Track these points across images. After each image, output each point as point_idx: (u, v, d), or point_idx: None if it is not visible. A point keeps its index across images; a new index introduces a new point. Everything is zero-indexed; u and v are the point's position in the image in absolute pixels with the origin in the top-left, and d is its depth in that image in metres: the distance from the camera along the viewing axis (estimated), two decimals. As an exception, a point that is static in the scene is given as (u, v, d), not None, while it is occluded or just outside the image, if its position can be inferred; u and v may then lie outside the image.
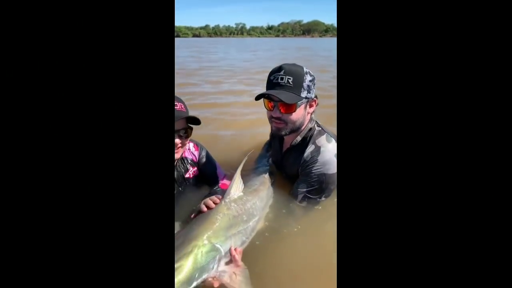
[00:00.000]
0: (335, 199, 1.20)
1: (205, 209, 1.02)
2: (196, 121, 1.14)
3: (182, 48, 17.72)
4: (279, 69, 1.15)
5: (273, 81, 1.15)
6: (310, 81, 1.16)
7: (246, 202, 1.08)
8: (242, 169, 1.13)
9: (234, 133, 2.37)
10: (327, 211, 1.20)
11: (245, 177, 1.16)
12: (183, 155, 1.27)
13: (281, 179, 1.43)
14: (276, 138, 1.45)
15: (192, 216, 1.05)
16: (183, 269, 0.76)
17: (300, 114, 1.17)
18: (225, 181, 1.35)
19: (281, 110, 1.14)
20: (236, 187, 1.10)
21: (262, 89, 1.24)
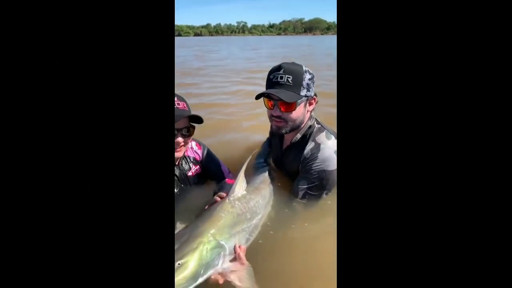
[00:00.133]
0: (336, 196, 1.22)
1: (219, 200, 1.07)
2: (198, 119, 1.16)
3: (184, 48, 17.70)
4: (278, 68, 1.16)
5: (272, 80, 1.16)
6: (309, 79, 1.17)
7: (250, 201, 1.10)
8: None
9: (235, 131, 2.39)
10: (327, 207, 1.21)
11: (245, 175, 1.18)
12: (186, 153, 1.29)
13: (281, 176, 1.45)
14: (276, 135, 1.45)
15: (206, 207, 1.08)
16: (189, 265, 0.77)
17: (300, 113, 1.18)
18: (231, 176, 1.38)
19: (281, 109, 1.15)
20: (240, 185, 1.11)
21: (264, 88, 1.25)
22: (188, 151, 1.31)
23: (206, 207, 1.09)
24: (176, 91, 1.18)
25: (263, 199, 1.17)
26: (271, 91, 1.13)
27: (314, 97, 1.23)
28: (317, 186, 1.19)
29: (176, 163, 1.25)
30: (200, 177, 1.36)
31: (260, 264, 0.91)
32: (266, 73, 1.21)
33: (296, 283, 0.93)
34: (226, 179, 1.33)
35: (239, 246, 0.91)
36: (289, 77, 1.13)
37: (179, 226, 1.05)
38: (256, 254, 0.95)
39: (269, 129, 1.61)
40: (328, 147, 1.19)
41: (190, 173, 1.30)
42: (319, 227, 1.15)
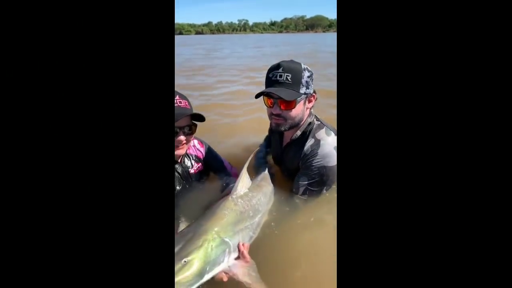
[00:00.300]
0: (336, 191, 1.23)
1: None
2: (200, 118, 1.17)
3: (186, 46, 17.68)
4: (277, 66, 1.17)
5: (272, 79, 1.17)
6: (308, 77, 1.17)
7: (252, 198, 1.11)
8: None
9: (237, 130, 2.41)
10: (328, 203, 1.22)
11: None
12: (188, 151, 1.31)
13: (281, 174, 1.46)
14: (275, 133, 1.46)
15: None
16: (194, 262, 0.78)
17: (299, 110, 1.19)
18: (234, 170, 1.42)
19: (281, 107, 1.16)
20: (242, 183, 1.12)
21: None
22: (190, 149, 1.33)
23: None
24: (180, 90, 1.21)
25: (264, 196, 1.19)
26: (270, 89, 1.14)
27: (314, 94, 1.24)
28: (317, 182, 1.20)
29: (179, 161, 1.27)
30: (202, 175, 1.37)
31: (262, 260, 0.93)
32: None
33: (297, 279, 0.95)
34: (232, 174, 1.37)
35: (243, 244, 0.93)
36: (288, 75, 1.13)
37: (182, 223, 1.07)
38: (258, 251, 0.97)
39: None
40: (328, 143, 1.21)
41: (192, 171, 1.32)
42: (319, 222, 1.16)
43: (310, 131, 1.26)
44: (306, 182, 1.21)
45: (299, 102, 1.17)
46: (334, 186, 1.26)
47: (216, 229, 0.90)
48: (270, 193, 1.25)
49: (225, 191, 1.15)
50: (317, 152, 1.20)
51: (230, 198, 1.06)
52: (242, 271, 0.86)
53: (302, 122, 1.26)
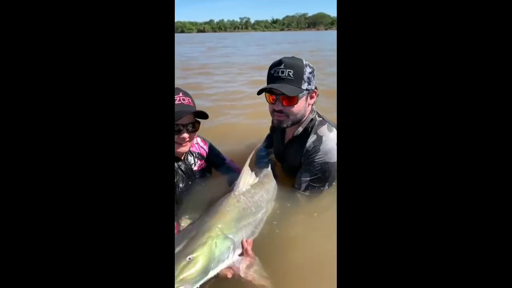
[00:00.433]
0: (338, 188, 1.23)
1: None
2: (203, 115, 1.18)
3: (189, 44, 17.66)
4: (279, 62, 1.17)
5: (273, 75, 1.17)
6: (310, 73, 1.18)
7: (254, 195, 1.12)
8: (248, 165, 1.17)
9: (239, 127, 2.42)
10: (330, 199, 1.23)
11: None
12: (191, 149, 1.31)
13: (283, 171, 1.47)
14: (277, 130, 1.46)
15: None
16: (199, 259, 0.79)
17: (301, 106, 1.19)
18: (236, 165, 1.44)
19: (283, 103, 1.16)
20: (244, 180, 1.13)
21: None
22: (193, 146, 1.33)
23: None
24: (185, 88, 1.21)
25: (267, 193, 1.19)
26: (273, 85, 1.14)
27: (315, 90, 1.24)
28: (319, 178, 1.20)
29: (182, 158, 1.27)
30: (205, 172, 1.38)
31: (264, 257, 0.93)
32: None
33: (298, 275, 0.95)
34: (235, 170, 1.39)
35: (246, 240, 0.93)
36: (290, 71, 1.14)
37: (186, 220, 1.08)
38: (261, 248, 0.97)
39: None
40: (330, 140, 1.21)
41: (195, 168, 1.32)
42: (321, 220, 1.16)
43: (312, 128, 1.26)
44: (308, 178, 1.22)
45: (301, 98, 1.17)
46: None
47: (219, 226, 0.91)
48: (272, 189, 1.26)
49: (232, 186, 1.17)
50: (319, 148, 1.20)
51: (232, 195, 1.07)
52: (246, 267, 0.87)
53: (304, 119, 1.26)
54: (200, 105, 1.24)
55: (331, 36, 29.15)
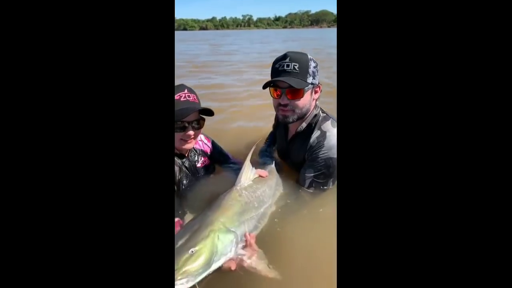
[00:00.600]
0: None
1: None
2: (209, 112, 1.18)
3: (191, 41, 17.67)
4: (284, 56, 1.17)
5: (279, 69, 1.17)
6: (314, 67, 1.18)
7: (256, 190, 1.12)
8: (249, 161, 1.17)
9: (241, 124, 2.41)
10: (334, 195, 1.22)
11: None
12: (194, 146, 1.31)
13: (287, 167, 1.46)
14: (280, 126, 1.46)
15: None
16: (202, 252, 0.79)
17: (307, 100, 1.19)
18: (240, 162, 1.43)
19: (289, 97, 1.16)
20: (246, 175, 1.14)
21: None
22: (197, 143, 1.34)
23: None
24: (189, 85, 1.21)
25: (269, 189, 1.20)
26: (280, 78, 1.14)
27: (319, 85, 1.24)
28: (324, 174, 1.20)
29: (186, 155, 1.27)
30: (208, 168, 1.38)
31: (267, 251, 0.93)
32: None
33: (300, 272, 0.95)
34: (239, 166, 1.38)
35: (249, 234, 0.94)
36: (296, 65, 1.14)
37: (189, 216, 1.08)
38: (264, 242, 0.97)
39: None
40: (334, 135, 1.20)
41: (199, 165, 1.33)
42: (325, 216, 1.16)
43: (316, 123, 1.26)
44: (312, 174, 1.21)
45: (306, 91, 1.17)
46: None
47: (222, 219, 0.91)
48: (275, 185, 1.26)
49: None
50: (323, 144, 1.19)
51: (234, 189, 1.08)
52: (250, 260, 0.88)
53: (308, 114, 1.26)
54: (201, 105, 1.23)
55: (334, 33, 28.97)
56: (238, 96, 3.54)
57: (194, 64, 6.47)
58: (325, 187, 1.22)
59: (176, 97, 1.13)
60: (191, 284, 0.75)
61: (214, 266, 0.81)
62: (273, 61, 1.23)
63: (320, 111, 1.29)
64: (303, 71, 1.14)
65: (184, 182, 1.25)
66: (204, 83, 4.29)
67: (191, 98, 1.15)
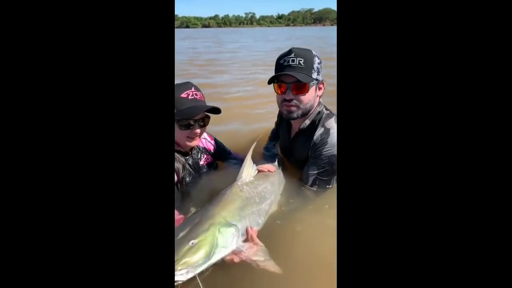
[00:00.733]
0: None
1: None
2: (217, 110, 1.18)
3: (193, 39, 17.65)
4: (289, 52, 1.17)
5: (283, 64, 1.16)
6: (318, 63, 1.18)
7: (258, 186, 1.13)
8: (251, 157, 1.18)
9: (242, 123, 2.41)
10: (335, 195, 1.21)
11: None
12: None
13: (290, 165, 1.46)
14: (283, 124, 1.46)
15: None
16: (202, 244, 0.80)
17: (311, 96, 1.19)
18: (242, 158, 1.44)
19: (294, 92, 1.15)
20: (247, 171, 1.15)
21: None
22: (200, 141, 1.34)
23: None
24: (195, 83, 1.21)
25: (271, 185, 1.19)
26: (286, 72, 1.13)
27: (323, 82, 1.24)
28: (327, 171, 1.19)
29: (189, 153, 1.28)
30: (211, 166, 1.39)
31: (271, 246, 0.93)
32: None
33: (302, 269, 0.94)
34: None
35: (251, 228, 0.94)
36: (301, 60, 1.13)
37: (191, 211, 1.09)
38: (266, 239, 0.97)
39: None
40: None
41: (202, 162, 1.33)
42: (328, 214, 1.15)
43: (319, 120, 1.25)
44: (316, 172, 1.20)
45: (311, 87, 1.16)
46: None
47: (223, 213, 0.92)
48: (277, 182, 1.26)
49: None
50: (327, 141, 1.19)
51: (235, 185, 1.09)
52: (253, 253, 0.88)
53: (312, 111, 1.25)
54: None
55: (337, 31, 28.80)
56: (239, 96, 3.53)
57: (197, 63, 6.47)
58: (328, 185, 1.21)
59: (184, 95, 1.13)
60: (191, 275, 0.75)
61: (214, 259, 0.81)
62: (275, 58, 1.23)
63: (324, 108, 1.28)
64: (308, 67, 1.14)
65: (187, 179, 1.25)
66: (205, 82, 4.28)
67: (198, 96, 1.15)
